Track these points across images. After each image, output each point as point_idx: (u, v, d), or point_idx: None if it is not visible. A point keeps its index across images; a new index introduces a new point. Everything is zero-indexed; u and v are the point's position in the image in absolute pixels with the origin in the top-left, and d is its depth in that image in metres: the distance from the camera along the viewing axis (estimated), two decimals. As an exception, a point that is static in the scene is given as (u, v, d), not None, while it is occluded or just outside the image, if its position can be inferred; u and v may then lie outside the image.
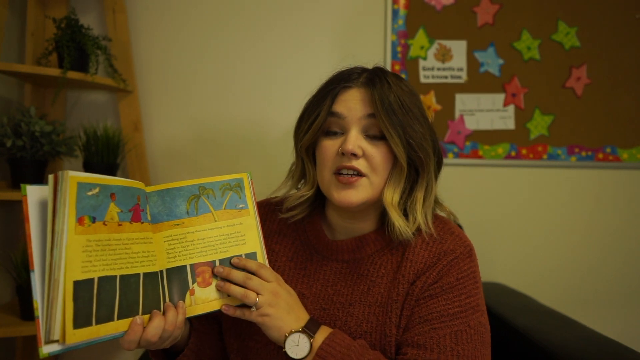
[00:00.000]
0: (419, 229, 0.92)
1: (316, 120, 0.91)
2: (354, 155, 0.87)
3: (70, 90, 1.79)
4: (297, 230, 1.02)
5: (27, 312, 1.47)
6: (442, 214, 0.99)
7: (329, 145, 0.90)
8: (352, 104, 0.89)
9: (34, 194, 0.67)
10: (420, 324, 0.86)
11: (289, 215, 1.01)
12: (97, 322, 0.67)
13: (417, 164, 0.90)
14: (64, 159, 1.71)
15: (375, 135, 0.88)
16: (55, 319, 0.64)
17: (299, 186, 1.01)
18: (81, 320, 0.65)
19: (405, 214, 0.92)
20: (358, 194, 0.88)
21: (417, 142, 0.87)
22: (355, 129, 0.88)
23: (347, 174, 0.88)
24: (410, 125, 0.87)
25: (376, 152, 0.88)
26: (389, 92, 0.87)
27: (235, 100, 1.80)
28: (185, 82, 1.80)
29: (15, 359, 1.69)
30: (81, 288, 0.66)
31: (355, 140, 0.87)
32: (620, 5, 1.74)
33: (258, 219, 0.89)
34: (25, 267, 1.46)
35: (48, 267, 0.65)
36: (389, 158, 0.88)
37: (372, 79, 0.90)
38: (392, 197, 0.89)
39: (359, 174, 0.87)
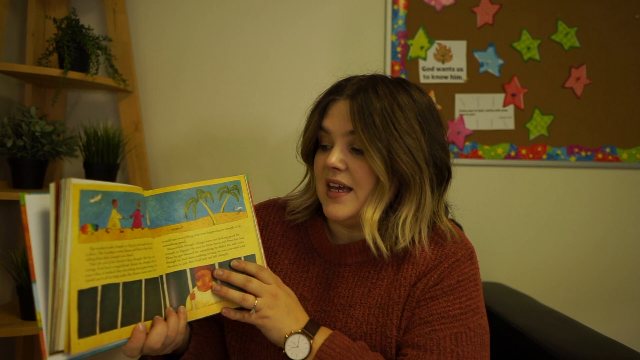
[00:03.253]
0: (422, 244, 0.90)
1: (307, 134, 0.95)
2: (337, 169, 0.88)
3: (71, 90, 1.79)
4: (300, 233, 1.02)
5: (27, 312, 1.48)
6: (442, 226, 0.94)
7: (320, 159, 0.93)
8: (337, 119, 0.89)
9: (33, 203, 0.66)
10: (420, 326, 0.86)
11: (292, 218, 1.02)
12: (101, 331, 0.67)
13: (404, 179, 0.87)
14: (64, 159, 1.71)
15: (359, 149, 0.87)
16: (60, 330, 0.63)
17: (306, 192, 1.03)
18: (86, 329, 0.65)
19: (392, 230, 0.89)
20: (345, 208, 0.89)
21: (403, 157, 0.84)
22: (339, 144, 0.88)
23: (334, 188, 0.89)
24: (396, 138, 0.84)
25: (359, 166, 0.87)
26: (374, 104, 0.85)
27: (235, 100, 1.80)
28: (186, 82, 1.80)
29: (16, 359, 1.69)
30: (85, 297, 0.66)
31: (337, 154, 0.87)
32: (620, 5, 1.74)
33: (256, 221, 0.89)
34: (25, 267, 1.46)
35: (52, 277, 0.65)
36: (372, 172, 0.87)
37: (358, 90, 0.88)
38: (372, 214, 0.87)
39: (345, 187, 0.88)
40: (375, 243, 0.88)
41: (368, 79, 0.91)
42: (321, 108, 0.93)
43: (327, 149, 0.92)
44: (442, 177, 0.92)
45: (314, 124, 0.93)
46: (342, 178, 0.88)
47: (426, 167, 0.87)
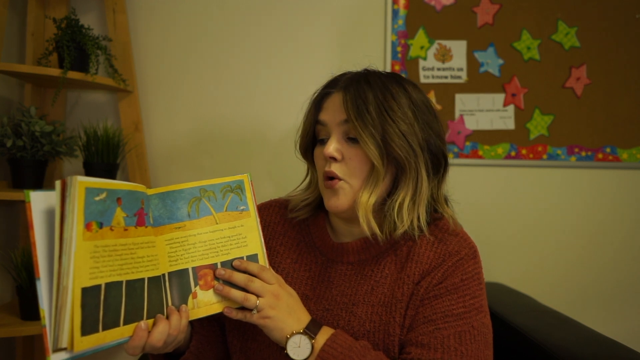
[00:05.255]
0: (421, 229, 0.91)
1: (304, 128, 0.97)
2: (333, 158, 0.88)
3: (71, 90, 1.79)
4: (302, 232, 1.03)
5: (27, 312, 1.48)
6: (443, 212, 0.96)
7: (318, 153, 0.94)
8: (331, 111, 0.91)
9: (38, 200, 0.66)
10: (424, 324, 0.86)
11: (294, 215, 1.03)
12: (104, 329, 0.67)
13: (399, 165, 0.88)
14: (64, 159, 1.71)
15: (354, 138, 0.89)
16: (64, 327, 0.63)
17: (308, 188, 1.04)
18: (89, 327, 0.65)
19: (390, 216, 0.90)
20: (340, 198, 0.89)
21: (397, 140, 0.85)
22: (335, 134, 0.90)
23: (329, 178, 0.90)
24: (389, 123, 0.86)
25: (354, 155, 0.88)
26: (366, 92, 0.87)
27: (235, 100, 1.80)
28: (186, 82, 1.80)
29: (16, 359, 1.69)
30: (89, 295, 0.66)
31: (334, 144, 0.89)
32: (620, 5, 1.74)
33: (259, 220, 0.89)
34: (25, 267, 1.46)
35: (56, 275, 0.65)
36: (367, 160, 0.88)
37: (350, 81, 0.90)
38: (367, 199, 0.87)
39: (337, 177, 0.89)
40: (369, 225, 0.88)
41: (361, 72, 0.94)
42: (316, 102, 0.95)
43: (324, 142, 0.93)
44: (438, 163, 0.93)
45: (310, 118, 0.95)
46: (336, 169, 0.89)
47: (421, 152, 0.89)
